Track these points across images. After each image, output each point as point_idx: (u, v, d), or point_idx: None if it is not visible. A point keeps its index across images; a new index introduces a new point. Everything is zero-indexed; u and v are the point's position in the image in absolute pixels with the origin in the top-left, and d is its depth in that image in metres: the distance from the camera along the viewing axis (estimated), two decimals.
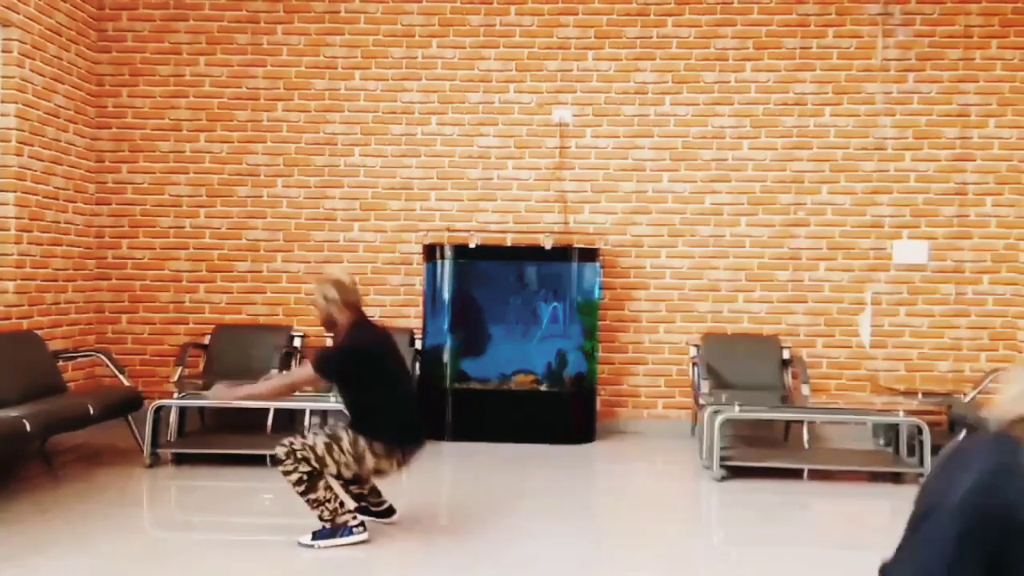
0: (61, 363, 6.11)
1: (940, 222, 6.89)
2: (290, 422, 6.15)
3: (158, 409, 5.59)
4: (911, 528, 2.32)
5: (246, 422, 6.18)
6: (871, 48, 6.89)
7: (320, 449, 3.94)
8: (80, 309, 6.84)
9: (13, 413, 4.80)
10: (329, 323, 4.17)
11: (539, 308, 6.84)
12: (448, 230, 6.89)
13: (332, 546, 4.00)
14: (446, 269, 6.73)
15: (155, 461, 5.57)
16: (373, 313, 4.40)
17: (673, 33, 6.98)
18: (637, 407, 7.05)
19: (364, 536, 4.05)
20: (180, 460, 5.69)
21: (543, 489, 5.30)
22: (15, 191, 5.97)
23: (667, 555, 4.17)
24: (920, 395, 6.29)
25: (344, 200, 7.09)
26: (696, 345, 6.88)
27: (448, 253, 6.72)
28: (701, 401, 6.08)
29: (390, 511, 4.40)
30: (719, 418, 5.47)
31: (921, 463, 5.42)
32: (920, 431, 5.44)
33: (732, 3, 6.95)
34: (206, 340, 6.86)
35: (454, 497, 5.21)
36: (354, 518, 4.07)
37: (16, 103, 5.95)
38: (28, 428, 4.75)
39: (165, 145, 7.09)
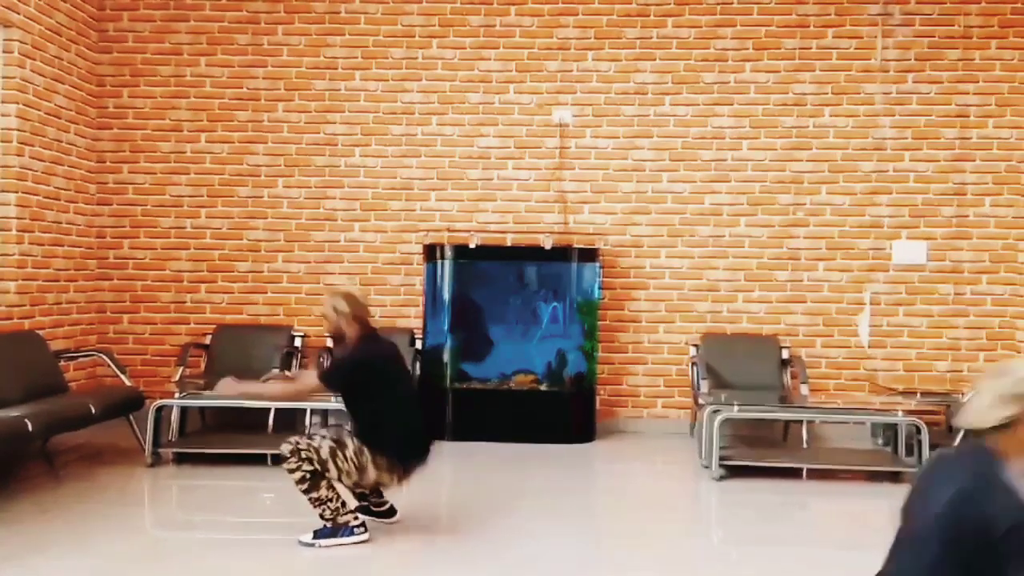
0: (63, 363, 6.13)
1: (939, 222, 6.90)
2: (291, 422, 6.16)
3: (159, 409, 5.61)
4: (897, 541, 2.38)
5: (247, 422, 6.19)
6: (870, 49, 6.90)
7: (324, 453, 3.96)
8: (81, 309, 6.85)
9: (15, 413, 4.82)
10: (337, 335, 4.21)
11: (539, 308, 6.85)
12: (448, 230, 6.90)
13: (333, 545, 4.02)
14: (446, 269, 6.74)
15: (156, 461, 5.58)
16: (373, 313, 4.40)
17: (673, 34, 6.99)
18: (637, 407, 7.06)
19: (365, 536, 4.07)
20: (181, 460, 5.71)
21: (543, 489, 5.31)
22: (16, 191, 5.99)
23: (667, 555, 4.18)
24: (919, 395, 6.31)
25: (344, 200, 7.10)
26: (695, 345, 6.90)
27: (448, 253, 6.74)
28: (700, 401, 6.10)
29: (391, 511, 4.42)
30: (718, 418, 5.49)
31: (920, 463, 5.43)
32: (919, 431, 5.45)
33: (732, 4, 6.96)
34: (207, 340, 6.88)
35: (454, 497, 5.23)
36: (355, 518, 4.08)
37: (17, 103, 5.97)
38: (30, 428, 4.77)
39: (166, 145, 7.11)
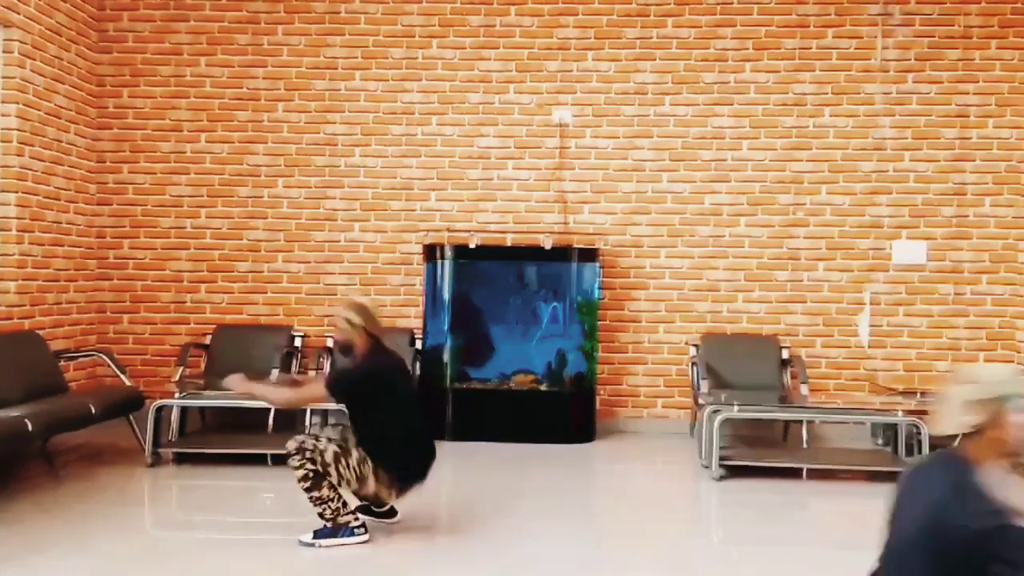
0: (63, 363, 6.13)
1: (939, 222, 6.90)
2: (291, 422, 6.15)
3: (159, 409, 5.61)
4: (884, 554, 2.40)
5: (247, 422, 6.19)
6: (870, 49, 6.91)
7: (329, 456, 3.97)
8: (81, 309, 6.85)
9: (15, 413, 4.82)
10: (346, 347, 4.21)
11: (539, 308, 6.85)
12: (448, 230, 6.90)
13: (333, 545, 4.02)
14: (446, 269, 6.74)
15: (156, 461, 5.58)
16: (383, 325, 4.39)
17: (673, 34, 6.99)
18: (637, 407, 7.06)
19: (365, 537, 4.07)
20: (181, 459, 5.71)
21: (543, 489, 5.32)
22: (16, 191, 5.99)
23: (667, 555, 4.18)
24: (919, 395, 6.30)
25: (344, 200, 7.10)
26: (695, 345, 6.90)
27: (448, 253, 6.74)
28: (700, 401, 6.10)
29: (392, 512, 4.42)
30: (718, 418, 5.49)
31: None
32: (918, 430, 5.46)
33: (732, 4, 6.96)
34: (207, 340, 6.88)
35: (454, 497, 5.22)
36: (356, 519, 4.09)
37: (17, 103, 5.97)
38: (30, 428, 4.77)
39: (166, 145, 7.11)
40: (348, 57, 7.08)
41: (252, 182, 7.11)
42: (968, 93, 6.87)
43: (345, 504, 4.08)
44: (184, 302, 7.11)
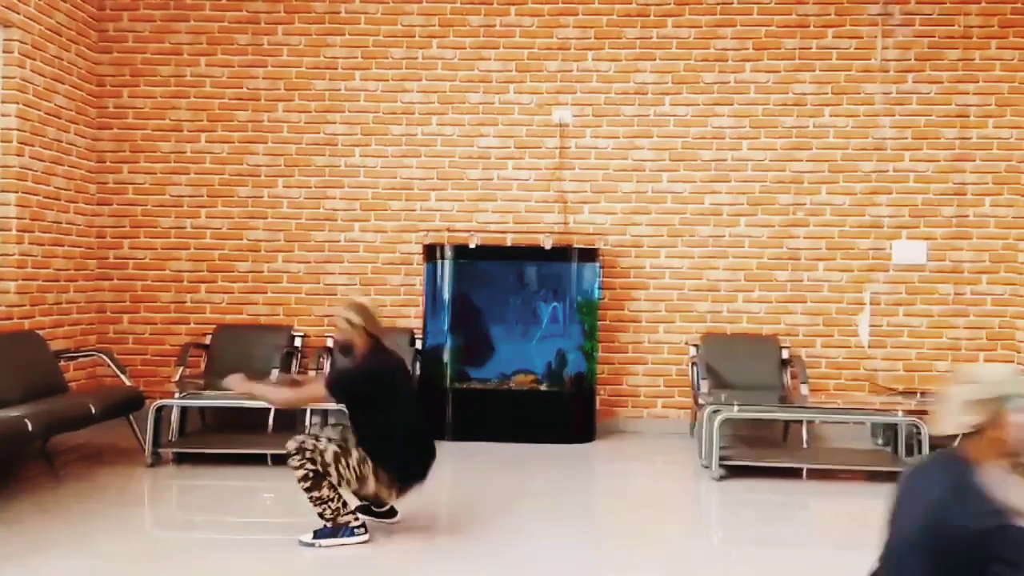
0: (63, 363, 6.13)
1: (939, 222, 6.90)
2: (291, 421, 6.15)
3: (159, 409, 5.61)
4: (884, 554, 2.41)
5: (247, 422, 6.19)
6: (870, 49, 6.91)
7: (329, 456, 3.97)
8: (81, 309, 6.85)
9: (15, 413, 4.82)
10: (346, 347, 4.20)
11: (539, 308, 6.85)
12: (448, 230, 6.90)
13: (333, 545, 4.02)
14: (446, 269, 6.74)
15: (156, 461, 5.58)
16: (383, 325, 4.39)
17: (673, 34, 6.99)
18: (637, 407, 7.06)
19: (365, 537, 4.07)
20: (181, 459, 5.71)
21: (543, 489, 5.32)
22: (16, 191, 5.99)
23: (667, 555, 4.18)
24: (919, 395, 6.30)
25: (344, 200, 7.10)
26: (695, 345, 6.90)
27: (448, 253, 6.74)
28: (700, 401, 6.10)
29: (392, 512, 4.42)
30: (718, 418, 5.49)
31: None
32: (918, 430, 5.46)
33: (732, 4, 6.96)
34: (207, 340, 6.88)
35: (454, 497, 5.22)
36: (356, 519, 4.09)
37: (17, 103, 5.97)
38: (30, 428, 4.77)
39: (166, 145, 7.11)
40: (348, 57, 7.08)
41: (252, 182, 7.11)
42: (968, 93, 6.87)
43: (345, 504, 4.08)
44: (184, 302, 7.11)
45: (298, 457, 3.95)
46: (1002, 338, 6.86)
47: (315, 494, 3.98)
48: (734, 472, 5.53)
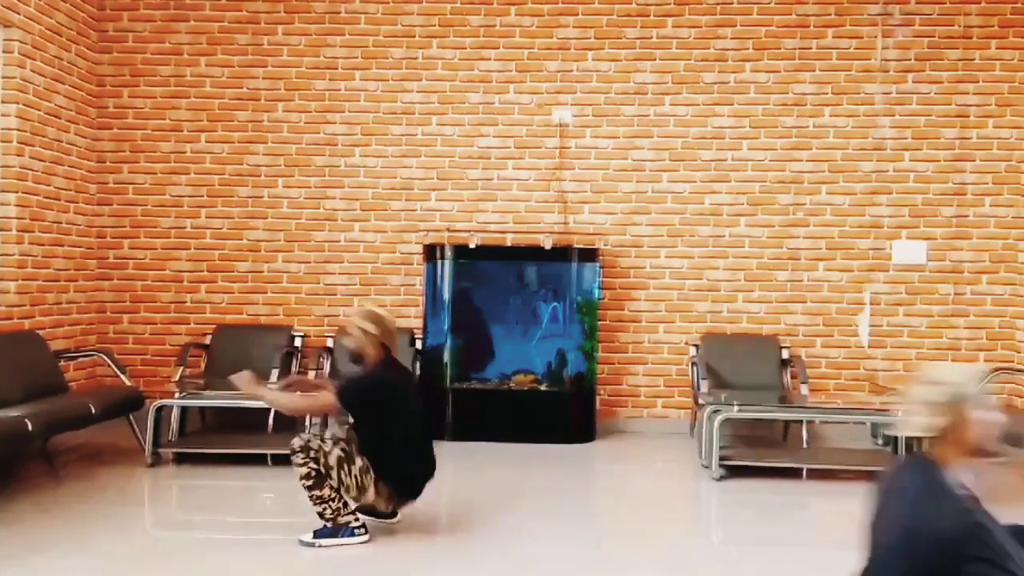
0: (63, 363, 6.14)
1: (939, 222, 6.90)
2: (291, 422, 6.15)
3: (159, 409, 5.61)
4: (865, 559, 2.42)
5: (247, 422, 6.19)
6: (870, 49, 6.90)
7: (332, 460, 3.98)
8: (81, 309, 6.85)
9: (15, 413, 4.83)
10: (357, 356, 4.19)
11: (539, 308, 6.85)
12: (448, 230, 6.90)
13: (333, 545, 4.02)
14: (446, 269, 6.74)
15: (156, 461, 5.58)
16: (398, 338, 4.39)
17: (673, 34, 6.99)
18: (637, 407, 7.06)
19: (365, 538, 4.07)
20: (181, 459, 5.71)
21: (543, 489, 5.32)
22: (16, 191, 5.99)
23: (667, 555, 4.18)
24: None
25: (344, 200, 7.10)
26: (695, 345, 6.90)
27: (448, 253, 6.74)
28: (700, 401, 6.10)
29: (393, 512, 4.42)
30: (718, 418, 5.49)
31: None
32: None
33: (732, 4, 6.96)
34: (207, 340, 6.88)
35: (454, 497, 5.22)
36: (356, 519, 4.09)
37: (17, 103, 5.97)
38: (30, 428, 4.77)
39: (166, 145, 7.11)
40: (348, 57, 7.08)
41: (252, 182, 7.11)
42: (968, 93, 6.87)
43: (345, 504, 4.08)
44: (184, 302, 7.11)
45: (302, 455, 3.95)
46: (1002, 338, 6.86)
47: (316, 493, 3.98)
48: (734, 472, 5.53)
